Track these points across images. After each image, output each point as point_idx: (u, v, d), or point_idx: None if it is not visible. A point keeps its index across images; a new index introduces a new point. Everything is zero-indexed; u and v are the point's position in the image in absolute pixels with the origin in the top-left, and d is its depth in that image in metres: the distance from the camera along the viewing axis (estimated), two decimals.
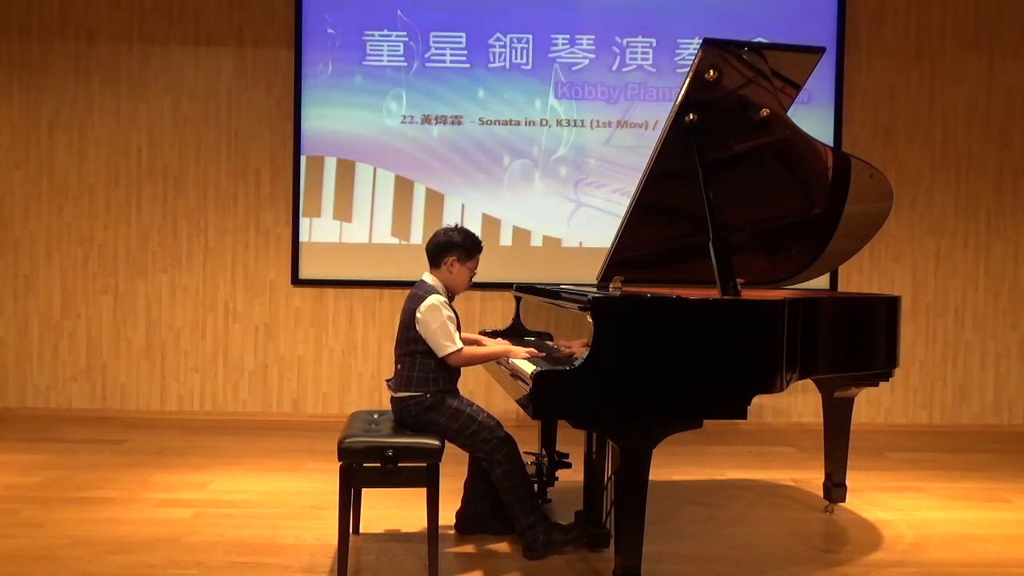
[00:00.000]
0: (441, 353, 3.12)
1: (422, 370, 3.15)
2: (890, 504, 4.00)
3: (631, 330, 2.68)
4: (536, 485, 3.53)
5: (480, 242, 3.32)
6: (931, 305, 5.93)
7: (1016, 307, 5.93)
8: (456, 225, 3.33)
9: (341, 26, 5.78)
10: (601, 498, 3.33)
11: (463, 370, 3.31)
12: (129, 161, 5.87)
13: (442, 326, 3.11)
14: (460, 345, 3.14)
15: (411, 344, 3.17)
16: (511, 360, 3.17)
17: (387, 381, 3.29)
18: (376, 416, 3.37)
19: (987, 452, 5.19)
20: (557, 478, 3.73)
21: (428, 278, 3.26)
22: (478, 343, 3.45)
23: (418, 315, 3.13)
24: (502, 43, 5.79)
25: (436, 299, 3.14)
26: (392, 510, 3.70)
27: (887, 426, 5.86)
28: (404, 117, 5.81)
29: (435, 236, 3.31)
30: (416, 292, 3.21)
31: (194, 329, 5.89)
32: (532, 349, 3.24)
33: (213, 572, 3.07)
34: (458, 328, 3.22)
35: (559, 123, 5.80)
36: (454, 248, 3.24)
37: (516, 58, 5.80)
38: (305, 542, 3.38)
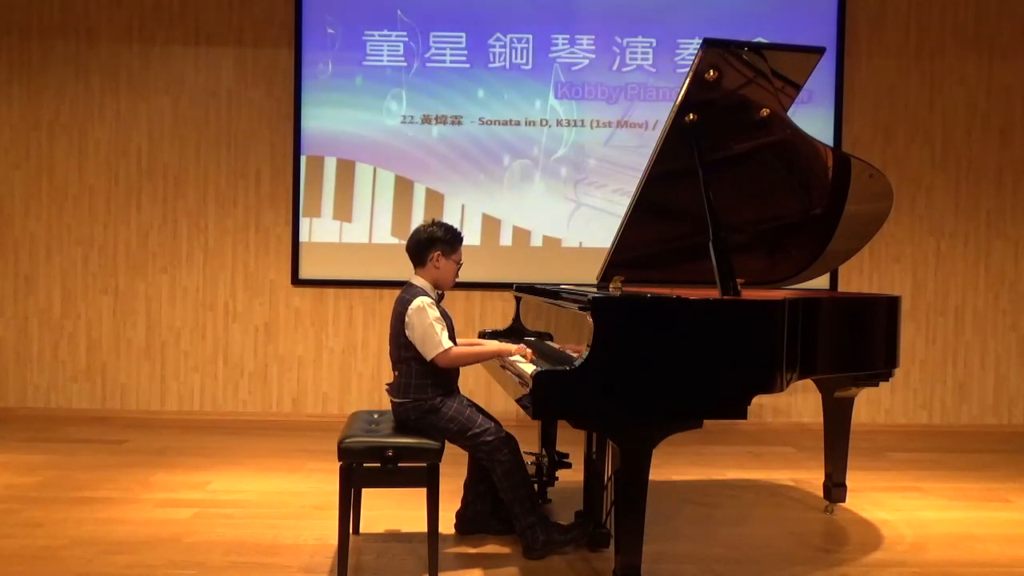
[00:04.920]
0: (428, 355, 3.08)
1: (418, 376, 3.13)
2: (890, 504, 4.00)
3: (631, 330, 2.68)
4: (536, 485, 3.53)
5: (460, 233, 3.28)
6: (931, 305, 5.93)
7: (1016, 307, 5.93)
8: (433, 220, 3.28)
9: (341, 26, 5.78)
10: (601, 498, 3.33)
11: (463, 370, 3.30)
12: (129, 161, 5.87)
13: (428, 327, 3.07)
14: (447, 346, 3.08)
15: (403, 350, 3.15)
16: (510, 359, 3.17)
17: (386, 386, 3.28)
18: (376, 416, 3.37)
19: (987, 452, 5.19)
20: (557, 478, 3.73)
21: (416, 280, 3.23)
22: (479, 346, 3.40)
23: (406, 319, 3.11)
24: (502, 43, 5.79)
25: (422, 301, 3.10)
26: (392, 510, 3.70)
27: (887, 426, 5.86)
28: (404, 117, 5.81)
29: (415, 235, 3.25)
30: (403, 296, 3.17)
31: (194, 329, 5.89)
32: (525, 348, 3.19)
33: (213, 572, 3.07)
34: (451, 328, 3.19)
35: (559, 123, 5.80)
36: (437, 243, 3.20)
37: (516, 58, 5.80)
38: (305, 542, 3.38)
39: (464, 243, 3.33)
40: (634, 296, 2.87)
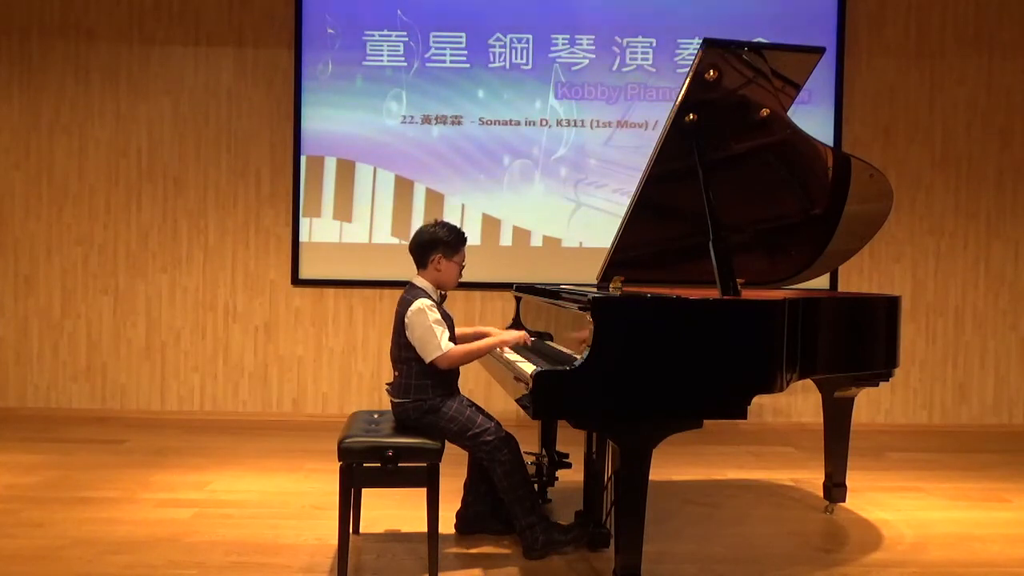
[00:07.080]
0: (427, 358, 3.08)
1: (419, 377, 3.13)
2: (890, 504, 4.00)
3: (631, 330, 2.68)
4: (536, 485, 3.53)
5: (464, 233, 3.26)
6: (931, 305, 5.93)
7: (1016, 307, 5.93)
8: (436, 220, 3.26)
9: (341, 26, 5.78)
10: (601, 498, 3.33)
11: (463, 370, 3.30)
12: (129, 161, 5.87)
13: (427, 330, 3.07)
14: (445, 349, 3.07)
15: (404, 350, 3.15)
16: (506, 356, 3.16)
17: (387, 386, 3.28)
18: (376, 416, 3.37)
19: (987, 452, 5.19)
20: (557, 478, 3.73)
21: (417, 281, 3.22)
22: (484, 335, 3.38)
23: (406, 321, 3.11)
24: (502, 43, 5.79)
25: (422, 303, 3.10)
26: (392, 510, 3.70)
27: (887, 426, 5.86)
28: (404, 117, 5.81)
29: (417, 235, 3.24)
30: (405, 297, 3.18)
31: (194, 329, 5.89)
32: (524, 336, 3.18)
33: (213, 572, 3.07)
34: (452, 330, 3.19)
35: (559, 123, 5.80)
36: (439, 245, 3.19)
37: (516, 58, 5.80)
38: (305, 542, 3.38)
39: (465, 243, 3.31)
40: (634, 296, 2.87)
